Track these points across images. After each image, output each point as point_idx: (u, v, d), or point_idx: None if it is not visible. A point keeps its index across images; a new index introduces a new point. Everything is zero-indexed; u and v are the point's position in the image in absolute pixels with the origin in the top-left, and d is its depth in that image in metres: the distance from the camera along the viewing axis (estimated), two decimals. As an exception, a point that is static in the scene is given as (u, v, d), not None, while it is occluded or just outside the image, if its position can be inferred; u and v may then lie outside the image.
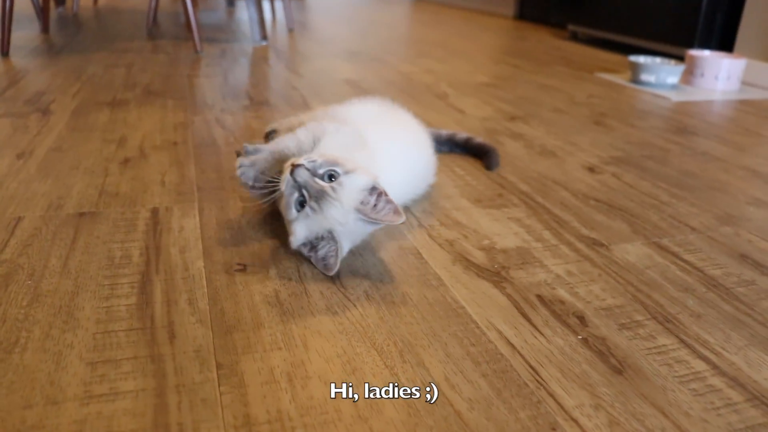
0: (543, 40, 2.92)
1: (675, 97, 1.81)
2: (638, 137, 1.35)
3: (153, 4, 2.65)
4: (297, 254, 0.76)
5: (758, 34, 2.03)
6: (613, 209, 0.96)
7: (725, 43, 2.27)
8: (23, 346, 0.58)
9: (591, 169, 1.13)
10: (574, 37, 2.99)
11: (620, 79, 2.02)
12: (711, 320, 0.68)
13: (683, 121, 1.52)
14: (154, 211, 0.87)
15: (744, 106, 1.73)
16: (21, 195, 0.91)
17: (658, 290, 0.73)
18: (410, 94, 1.64)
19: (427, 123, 1.33)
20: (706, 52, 2.06)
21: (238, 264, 0.74)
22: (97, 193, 0.93)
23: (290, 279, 0.71)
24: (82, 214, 0.86)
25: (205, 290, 0.68)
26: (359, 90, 1.66)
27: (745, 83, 2.08)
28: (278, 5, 3.96)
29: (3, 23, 1.91)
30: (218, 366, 0.57)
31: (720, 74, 1.93)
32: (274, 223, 0.85)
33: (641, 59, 2.03)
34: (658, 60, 2.05)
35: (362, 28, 3.03)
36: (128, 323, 0.62)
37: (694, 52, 2.03)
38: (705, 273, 0.78)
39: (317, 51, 2.29)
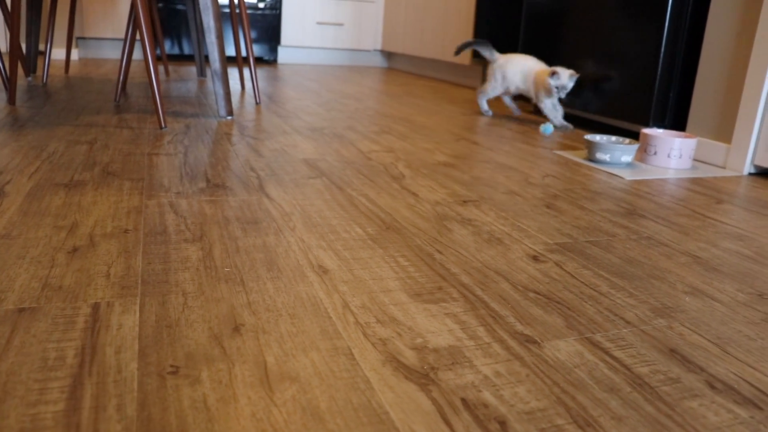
0: (506, 112, 2.99)
1: (628, 176, 1.86)
2: (586, 221, 1.39)
3: (121, 76, 2.69)
4: (230, 355, 0.77)
5: (708, 113, 2.11)
6: (551, 302, 0.98)
7: (679, 121, 2.35)
8: (-58, 460, 0.58)
9: (535, 258, 1.15)
10: (537, 112, 3.07)
11: (577, 157, 2.08)
12: (631, 423, 0.69)
13: (633, 203, 1.56)
14: (95, 307, 0.88)
15: (693, 185, 1.79)
16: (-37, 288, 0.92)
17: (583, 391, 0.75)
18: (367, 176, 1.67)
19: (379, 208, 1.36)
20: (659, 131, 2.13)
21: (171, 366, 0.75)
22: (41, 287, 0.93)
23: (220, 382, 0.72)
24: (21, 310, 0.86)
25: (135, 394, 0.69)
26: (316, 170, 1.69)
27: (696, 161, 2.14)
28: (247, 74, 4.02)
29: (-33, 100, 1.93)
30: (135, 481, 0.57)
31: (672, 152, 2.00)
32: (212, 320, 0.86)
33: (597, 138, 2.09)
34: (612, 139, 2.11)
35: (329, 101, 3.09)
36: (52, 433, 0.62)
37: (647, 131, 2.09)
38: (632, 371, 0.80)
39: (280, 127, 2.33)
